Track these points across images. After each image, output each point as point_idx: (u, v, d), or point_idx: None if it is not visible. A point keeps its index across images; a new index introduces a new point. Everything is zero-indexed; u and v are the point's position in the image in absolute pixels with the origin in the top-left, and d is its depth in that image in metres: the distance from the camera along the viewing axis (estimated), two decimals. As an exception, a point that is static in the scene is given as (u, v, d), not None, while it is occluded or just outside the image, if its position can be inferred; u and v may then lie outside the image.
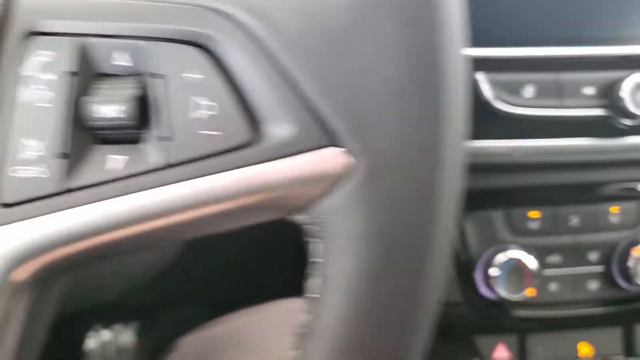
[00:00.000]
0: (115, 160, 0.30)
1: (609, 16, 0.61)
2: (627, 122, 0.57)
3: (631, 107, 0.56)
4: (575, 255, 0.63)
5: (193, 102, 0.30)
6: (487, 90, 0.57)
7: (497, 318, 0.62)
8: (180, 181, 0.30)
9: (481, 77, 0.57)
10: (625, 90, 0.57)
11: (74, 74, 0.30)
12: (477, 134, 0.54)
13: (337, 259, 0.32)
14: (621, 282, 0.61)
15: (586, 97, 0.58)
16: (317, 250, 0.32)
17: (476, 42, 0.51)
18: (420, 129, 0.32)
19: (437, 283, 0.34)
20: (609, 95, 0.58)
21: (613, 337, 0.67)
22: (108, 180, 0.30)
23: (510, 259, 0.59)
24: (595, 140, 0.60)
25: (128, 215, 0.30)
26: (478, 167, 0.50)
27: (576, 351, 0.65)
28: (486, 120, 0.57)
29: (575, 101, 0.58)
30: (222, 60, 0.31)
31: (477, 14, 0.49)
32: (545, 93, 0.59)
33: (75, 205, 0.30)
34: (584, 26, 0.61)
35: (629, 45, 0.59)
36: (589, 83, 0.59)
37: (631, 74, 0.57)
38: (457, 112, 0.34)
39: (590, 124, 0.59)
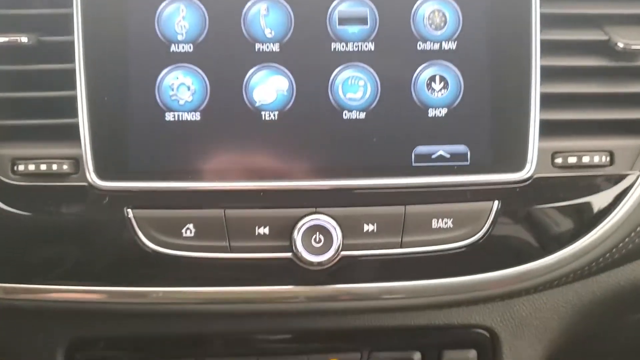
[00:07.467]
0: None
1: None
2: (307, 266, 0.50)
3: (304, 254, 0.49)
4: None
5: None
6: (137, 230, 0.50)
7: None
8: None
9: (131, 215, 0.50)
10: (298, 233, 0.49)
11: None
12: (132, 280, 0.50)
13: None
14: None
15: (260, 237, 0.50)
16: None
17: (123, 174, 0.48)
18: None
19: None
20: (284, 236, 0.50)
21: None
22: None
23: None
24: (275, 289, 0.52)
25: None
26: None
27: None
28: (140, 264, 0.50)
29: (245, 243, 0.50)
30: None
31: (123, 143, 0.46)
32: (209, 233, 0.50)
33: None
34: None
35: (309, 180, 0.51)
36: (261, 222, 0.50)
37: (306, 213, 0.49)
38: None
39: (266, 268, 0.51)
